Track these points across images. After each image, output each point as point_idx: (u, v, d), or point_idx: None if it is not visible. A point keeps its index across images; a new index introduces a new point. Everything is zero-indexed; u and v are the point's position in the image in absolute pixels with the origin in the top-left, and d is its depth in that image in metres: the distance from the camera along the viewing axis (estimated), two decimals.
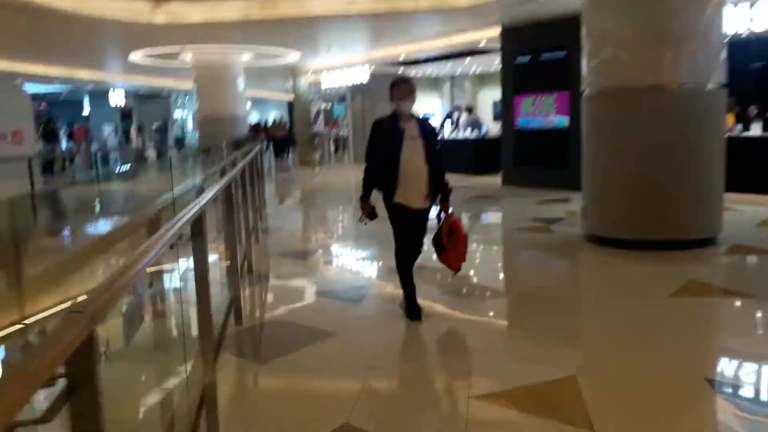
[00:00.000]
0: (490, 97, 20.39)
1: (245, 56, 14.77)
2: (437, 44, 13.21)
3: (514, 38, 11.17)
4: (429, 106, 21.12)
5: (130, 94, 24.67)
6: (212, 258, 5.46)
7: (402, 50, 14.10)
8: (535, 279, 5.49)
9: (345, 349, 3.68)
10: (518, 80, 11.20)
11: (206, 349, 2.62)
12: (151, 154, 24.50)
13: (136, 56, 14.17)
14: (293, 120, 22.02)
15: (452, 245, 4.16)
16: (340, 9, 9.65)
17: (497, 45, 13.15)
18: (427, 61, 16.38)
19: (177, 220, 2.09)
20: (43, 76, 16.57)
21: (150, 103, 26.60)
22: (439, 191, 4.10)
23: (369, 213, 4.06)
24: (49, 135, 17.17)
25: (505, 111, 11.70)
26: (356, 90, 19.06)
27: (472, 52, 14.88)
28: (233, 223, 4.03)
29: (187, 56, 14.50)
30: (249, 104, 35.79)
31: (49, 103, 27.14)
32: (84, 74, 17.86)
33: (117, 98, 22.70)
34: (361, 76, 16.24)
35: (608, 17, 5.91)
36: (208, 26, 10.39)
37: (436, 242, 4.23)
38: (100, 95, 22.97)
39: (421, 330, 3.96)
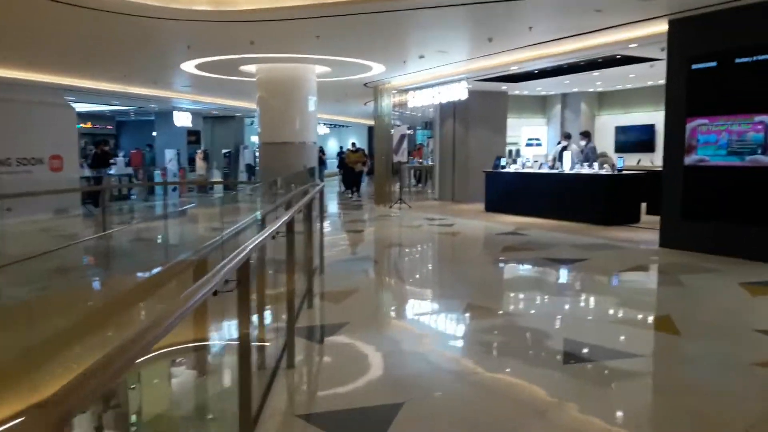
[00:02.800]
0: (611, 122, 16.86)
1: (318, 70, 12.17)
2: (565, 49, 10.01)
3: (690, 35, 7.83)
4: (534, 131, 17.84)
5: (200, 116, 22.88)
6: None
7: (514, 59, 11.00)
8: None
9: None
10: (695, 95, 7.81)
11: None
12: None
13: (189, 66, 11.84)
14: (372, 147, 19.39)
15: None
16: None
17: (651, 49, 9.83)
18: (542, 75, 13.18)
19: None
20: (94, 90, 14.64)
21: (221, 126, 24.76)
22: None
23: None
24: (100, 160, 15.19)
25: (668, 139, 8.29)
26: (446, 113, 16.11)
27: (608, 62, 11.57)
28: None
29: (251, 69, 12.07)
30: (326, 129, 33.75)
31: (118, 123, 25.95)
32: (140, 90, 15.89)
33: (182, 120, 20.85)
34: (458, 92, 13.24)
35: None
36: (268, 16, 7.72)
37: None
38: (167, 116, 21.25)
39: None
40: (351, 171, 18.28)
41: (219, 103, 20.12)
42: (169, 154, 20.04)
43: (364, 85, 14.73)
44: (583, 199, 10.87)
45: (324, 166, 19.60)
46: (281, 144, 11.85)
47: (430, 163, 20.41)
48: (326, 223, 12.07)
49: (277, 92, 11.84)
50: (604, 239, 9.03)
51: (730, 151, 7.43)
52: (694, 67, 7.82)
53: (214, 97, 19.15)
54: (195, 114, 21.95)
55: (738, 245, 7.34)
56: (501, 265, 7.75)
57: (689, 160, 7.89)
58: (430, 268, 7.75)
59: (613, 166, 11.16)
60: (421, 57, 10.92)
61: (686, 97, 7.90)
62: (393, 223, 12.08)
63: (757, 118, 7.14)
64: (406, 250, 8.97)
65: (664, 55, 10.25)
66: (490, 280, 6.91)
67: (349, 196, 18.05)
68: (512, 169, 12.94)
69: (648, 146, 15.54)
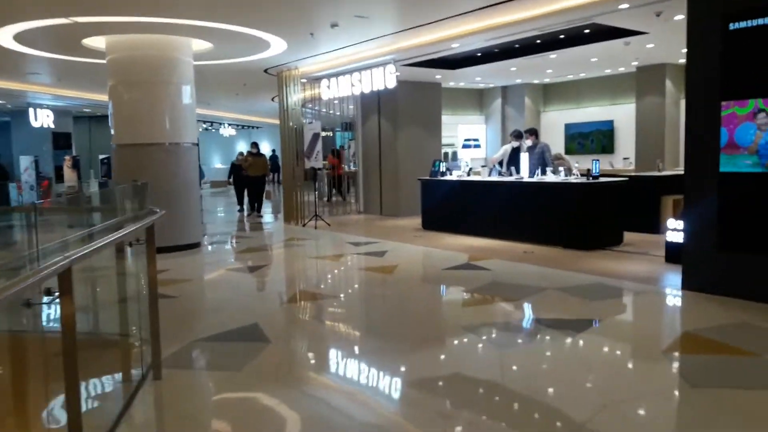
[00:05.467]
0: (560, 118, 14.58)
1: (196, 46, 8.97)
2: (527, 15, 7.39)
3: None
4: (471, 130, 15.31)
5: (68, 115, 18.85)
6: None
7: (457, 31, 8.28)
8: None
9: None
10: (733, 68, 5.33)
11: None
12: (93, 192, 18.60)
13: (6, 38, 8.30)
14: (281, 149, 16.20)
15: None
16: None
17: (644, 14, 7.40)
18: (485, 59, 10.57)
19: None
20: None
21: (98, 127, 20.73)
22: None
23: None
24: None
25: (693, 134, 5.77)
26: (369, 108, 13.29)
27: (571, 38, 9.10)
28: None
29: (99, 43, 8.69)
30: (232, 130, 30.06)
31: None
32: None
33: (43, 119, 16.84)
34: (384, 80, 10.38)
35: None
36: None
37: None
38: (24, 115, 17.14)
39: None
40: (250, 182, 14.63)
41: (90, 98, 16.29)
42: (25, 162, 16.03)
43: (265, 71, 11.62)
44: (551, 215, 8.29)
45: (201, 175, 15.87)
46: (144, 146, 8.55)
47: (352, 168, 17.56)
48: (209, 252, 8.90)
49: (135, 73, 8.50)
50: (597, 275, 6.41)
51: None
52: (732, 27, 5.33)
53: (81, 90, 15.37)
54: (61, 112, 17.93)
55: None
56: (469, 339, 4.88)
57: (728, 163, 5.39)
58: (355, 351, 4.75)
59: (585, 171, 8.67)
60: (335, 26, 7.96)
61: (721, 72, 5.39)
62: (304, 252, 9.04)
63: None
64: (320, 308, 5.92)
65: (656, 24, 7.89)
66: (468, 385, 4.01)
67: (249, 213, 14.56)
68: (455, 176, 10.24)
69: (607, 147, 13.35)
